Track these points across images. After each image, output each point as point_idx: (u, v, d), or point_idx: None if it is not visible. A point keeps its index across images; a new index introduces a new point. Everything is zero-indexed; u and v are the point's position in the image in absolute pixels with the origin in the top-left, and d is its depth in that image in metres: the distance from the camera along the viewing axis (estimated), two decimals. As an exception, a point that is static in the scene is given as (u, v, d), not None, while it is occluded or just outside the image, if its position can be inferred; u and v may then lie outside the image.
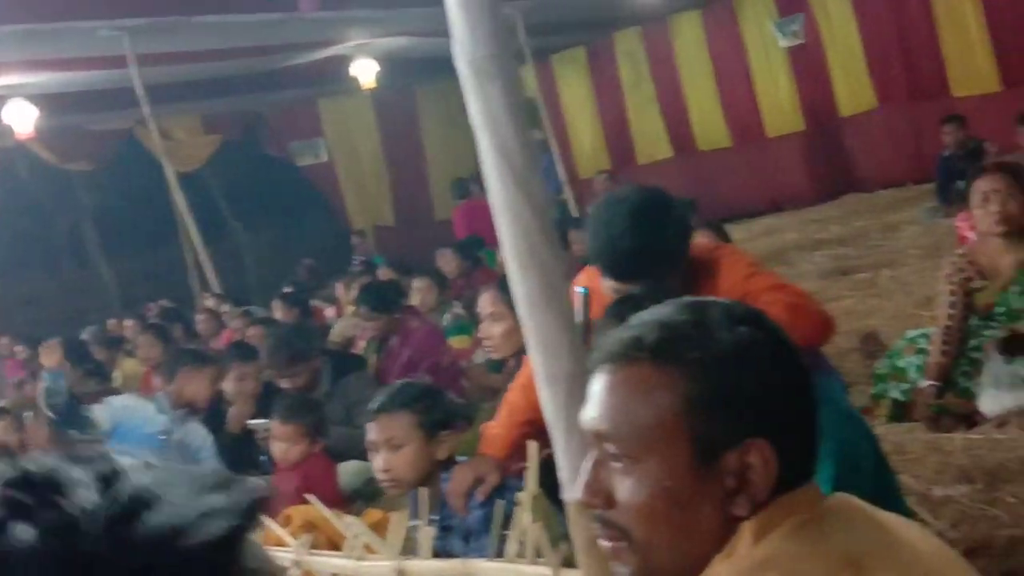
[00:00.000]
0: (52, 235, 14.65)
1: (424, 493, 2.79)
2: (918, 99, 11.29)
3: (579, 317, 2.44)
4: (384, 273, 8.96)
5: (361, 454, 3.50)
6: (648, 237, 2.53)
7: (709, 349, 1.22)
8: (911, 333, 4.43)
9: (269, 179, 14.99)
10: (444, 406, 3.17)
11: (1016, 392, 3.79)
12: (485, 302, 3.92)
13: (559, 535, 2.40)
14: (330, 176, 14.74)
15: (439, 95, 13.41)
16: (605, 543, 1.27)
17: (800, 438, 1.25)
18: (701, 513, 1.21)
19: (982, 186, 4.02)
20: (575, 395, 1.85)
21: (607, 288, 2.63)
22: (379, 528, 2.99)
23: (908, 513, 2.60)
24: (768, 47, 12.50)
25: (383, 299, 5.89)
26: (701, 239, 4.67)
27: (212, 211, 14.26)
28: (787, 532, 1.18)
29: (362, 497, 4.51)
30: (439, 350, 5.77)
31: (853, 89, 11.94)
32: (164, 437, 4.99)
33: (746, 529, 1.20)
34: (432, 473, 3.02)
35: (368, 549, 2.69)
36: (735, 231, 8.12)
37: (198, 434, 5.03)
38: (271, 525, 3.14)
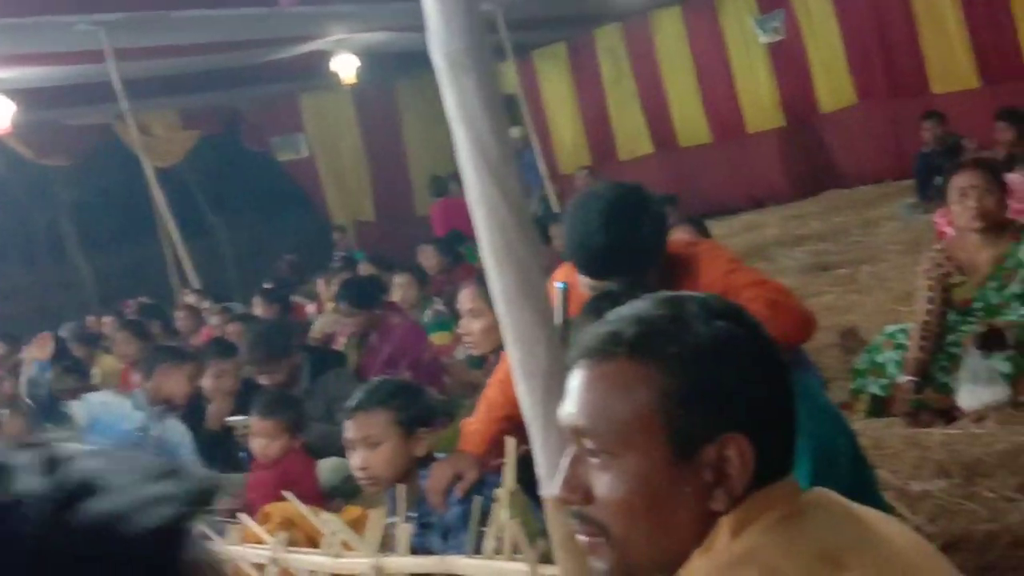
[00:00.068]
0: (29, 231, 14.55)
1: (402, 490, 2.78)
2: (898, 95, 11.34)
3: (558, 313, 2.43)
4: (365, 269, 8.94)
5: (341, 451, 3.49)
6: (622, 234, 2.51)
7: (686, 344, 1.21)
8: (890, 328, 4.44)
9: (249, 174, 14.93)
10: (422, 403, 3.16)
11: (993, 387, 3.81)
12: (464, 298, 3.92)
13: (537, 531, 2.40)
14: (310, 171, 14.71)
15: (420, 90, 13.38)
16: (583, 539, 1.27)
17: (778, 432, 1.25)
18: (679, 508, 1.21)
19: (960, 182, 4.04)
20: (552, 391, 1.84)
21: (584, 285, 2.62)
22: (358, 525, 2.97)
23: (886, 508, 2.61)
24: (748, 43, 12.53)
25: (363, 295, 5.87)
26: (680, 235, 4.67)
27: (191, 207, 14.19)
28: (765, 527, 1.18)
29: (341, 494, 4.50)
30: (420, 346, 5.76)
31: (833, 85, 11.98)
32: (141, 434, 4.96)
33: (724, 524, 1.19)
34: (411, 470, 3.01)
35: (346, 546, 2.68)
36: (716, 227, 8.13)
37: (176, 431, 5.01)
38: (249, 522, 3.12)
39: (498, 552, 2.33)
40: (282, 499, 3.27)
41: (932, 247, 4.37)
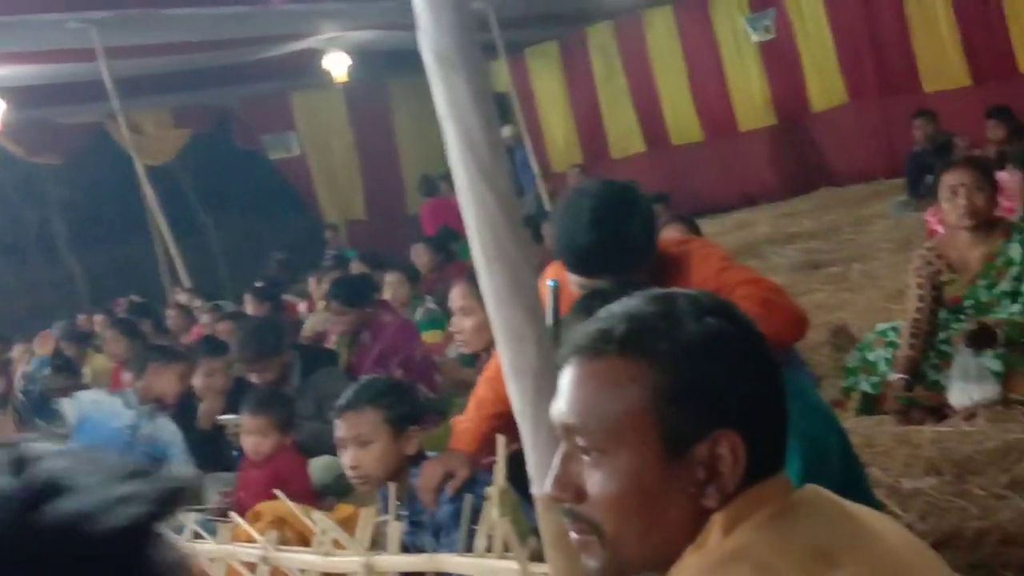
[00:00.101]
0: (20, 230, 14.48)
1: (393, 488, 2.77)
2: (889, 94, 11.36)
3: (549, 311, 2.43)
4: (356, 267, 8.93)
5: (332, 449, 3.48)
6: (610, 232, 2.49)
7: (677, 340, 1.21)
8: (881, 326, 4.45)
9: (240, 173, 14.89)
10: (411, 401, 3.15)
11: (984, 385, 3.82)
12: (455, 296, 3.91)
13: (528, 529, 2.39)
14: (302, 170, 14.68)
15: (412, 89, 13.33)
16: (574, 537, 1.27)
17: (770, 429, 1.25)
18: (671, 505, 1.20)
19: (950, 180, 4.05)
20: (543, 388, 1.84)
21: (574, 284, 2.61)
22: (350, 523, 2.96)
23: (877, 506, 2.61)
24: (740, 42, 12.54)
25: (354, 293, 5.86)
26: (672, 233, 4.67)
27: (182, 205, 14.15)
28: (757, 524, 1.18)
29: (333, 492, 4.50)
30: (411, 344, 5.75)
31: (825, 84, 12.00)
32: (131, 432, 4.95)
33: (716, 521, 1.19)
34: (402, 468, 3.01)
35: (336, 544, 2.68)
36: (708, 225, 8.14)
37: (167, 430, 5.00)
38: (240, 521, 3.12)
39: (489, 550, 2.33)
40: (274, 498, 3.27)
41: (923, 245, 4.38)
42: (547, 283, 2.57)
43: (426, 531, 2.94)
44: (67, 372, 7.63)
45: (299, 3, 9.72)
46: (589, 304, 2.18)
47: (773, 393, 1.25)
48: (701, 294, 1.30)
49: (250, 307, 7.99)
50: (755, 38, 12.40)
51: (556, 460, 1.27)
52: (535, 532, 2.18)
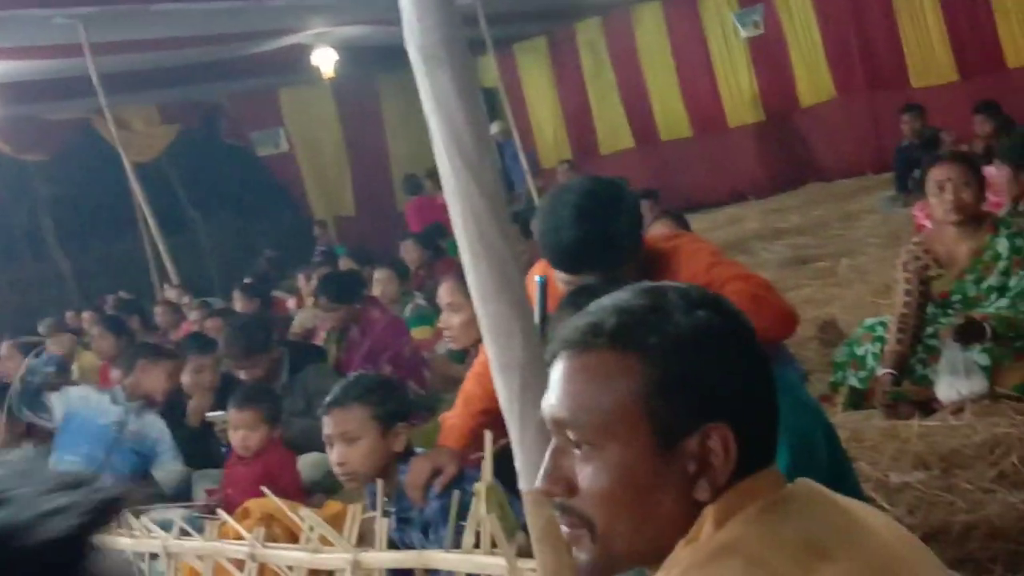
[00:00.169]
0: (7, 227, 14.43)
1: (381, 485, 2.77)
2: (877, 89, 11.39)
3: (536, 307, 2.42)
4: (345, 263, 8.92)
5: (321, 446, 3.48)
6: (593, 229, 2.48)
7: (667, 334, 1.21)
8: (869, 321, 4.46)
9: (229, 169, 14.86)
10: (399, 398, 3.15)
11: (972, 379, 3.82)
12: (444, 292, 3.91)
13: (516, 525, 2.39)
14: (291, 166, 14.65)
15: (401, 85, 13.28)
16: (565, 531, 1.27)
17: (761, 422, 1.24)
18: (663, 498, 1.20)
19: (937, 175, 4.05)
20: (529, 384, 1.83)
21: (560, 280, 2.61)
22: (339, 520, 2.96)
23: (865, 500, 2.61)
24: (729, 38, 12.56)
25: (343, 290, 5.85)
26: (660, 229, 4.67)
27: (171, 202, 14.12)
28: (749, 517, 1.18)
29: (322, 489, 4.49)
30: (400, 341, 5.74)
31: (813, 79, 12.03)
32: (118, 428, 4.94)
33: (708, 514, 1.19)
34: (390, 465, 3.00)
35: (324, 541, 2.67)
36: (697, 221, 8.15)
37: (155, 426, 4.98)
38: (227, 519, 3.11)
39: (477, 547, 2.33)
40: (263, 494, 3.26)
41: (911, 240, 4.39)
42: (535, 279, 2.56)
43: (414, 528, 2.94)
44: (60, 369, 7.61)
45: (287, -2, 9.70)
46: (576, 300, 2.18)
47: (764, 386, 1.25)
48: (691, 287, 1.30)
49: (239, 304, 7.98)
50: (744, 34, 12.42)
51: (547, 454, 1.27)
52: (523, 528, 2.18)
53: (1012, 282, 4.00)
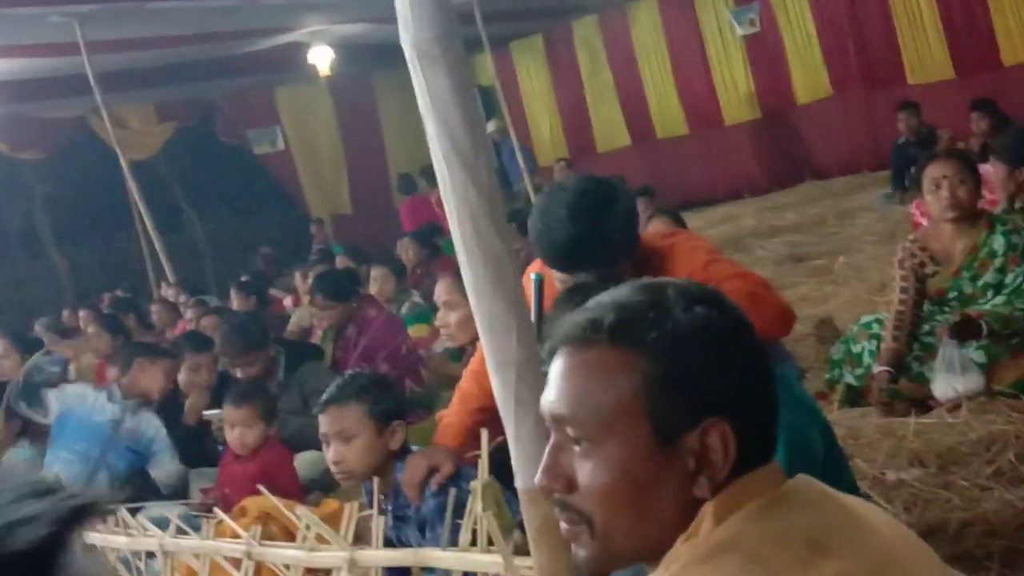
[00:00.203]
0: (3, 225, 14.40)
1: (377, 483, 2.77)
2: (873, 87, 11.39)
3: (532, 305, 2.42)
4: (342, 262, 8.91)
5: (318, 444, 3.48)
6: (588, 227, 2.48)
7: (666, 330, 1.21)
8: (865, 319, 4.45)
9: (225, 167, 14.83)
10: (395, 396, 3.15)
11: (968, 376, 3.82)
12: (440, 291, 3.91)
13: (512, 523, 2.39)
14: (287, 164, 14.64)
15: (397, 82, 13.30)
16: (564, 527, 1.27)
17: (760, 418, 1.24)
18: (662, 495, 1.20)
19: (933, 172, 4.05)
20: (525, 381, 1.83)
21: (556, 278, 2.61)
22: (336, 518, 2.96)
23: (862, 498, 2.61)
24: (725, 35, 12.56)
25: (339, 288, 5.85)
26: (657, 226, 4.67)
27: (167, 200, 14.10)
28: (749, 514, 1.18)
29: (320, 487, 4.50)
30: (397, 339, 5.74)
31: (809, 77, 12.03)
32: (114, 426, 4.93)
33: (707, 510, 1.19)
34: (386, 463, 3.00)
35: (321, 539, 2.67)
36: (693, 219, 8.16)
37: (151, 425, 4.98)
38: (224, 517, 3.11)
39: (473, 544, 2.33)
40: (260, 493, 3.26)
41: (907, 238, 4.39)
42: (531, 277, 2.56)
43: (411, 526, 2.94)
44: (63, 369, 7.60)
45: (283, -4, 9.69)
46: (572, 298, 2.18)
47: (763, 382, 1.25)
48: (690, 284, 1.30)
49: (235, 302, 7.98)
50: (740, 31, 12.42)
51: (546, 450, 1.27)
52: (519, 526, 2.18)
53: (1008, 279, 4.01)
